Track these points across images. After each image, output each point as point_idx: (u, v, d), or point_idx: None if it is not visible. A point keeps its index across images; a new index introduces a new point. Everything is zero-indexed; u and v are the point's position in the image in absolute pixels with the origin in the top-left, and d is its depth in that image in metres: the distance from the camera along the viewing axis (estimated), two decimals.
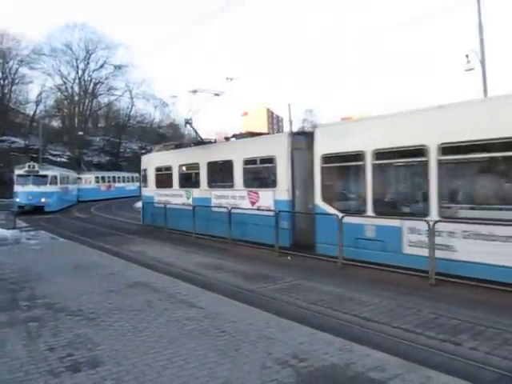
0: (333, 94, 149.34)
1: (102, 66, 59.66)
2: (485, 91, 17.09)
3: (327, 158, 10.29)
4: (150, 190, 18.45)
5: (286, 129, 55.26)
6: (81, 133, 52.17)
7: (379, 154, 9.14)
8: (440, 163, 8.03)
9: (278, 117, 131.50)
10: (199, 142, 16.70)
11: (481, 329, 5.34)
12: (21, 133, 51.17)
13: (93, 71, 60.03)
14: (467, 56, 17.20)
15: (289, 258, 10.50)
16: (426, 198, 8.37)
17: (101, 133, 62.69)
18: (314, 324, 5.39)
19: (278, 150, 11.69)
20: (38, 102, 56.04)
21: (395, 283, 7.77)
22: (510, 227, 6.93)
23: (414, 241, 8.42)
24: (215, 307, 5.90)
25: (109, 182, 43.63)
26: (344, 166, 10.33)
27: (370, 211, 9.27)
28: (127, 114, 64.04)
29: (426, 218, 8.01)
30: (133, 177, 46.44)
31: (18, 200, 26.82)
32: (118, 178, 45.65)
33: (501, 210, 7.55)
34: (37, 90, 56.58)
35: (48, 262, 9.53)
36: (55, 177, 28.97)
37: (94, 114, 65.32)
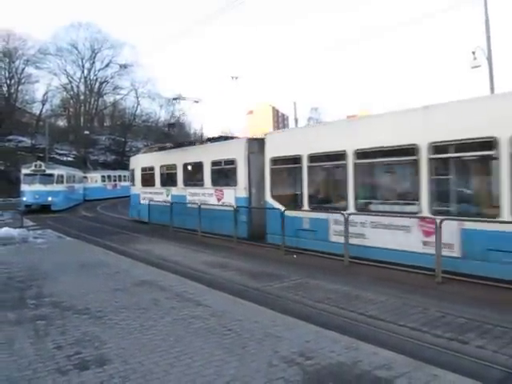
0: (339, 91, 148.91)
1: (107, 66, 59.97)
2: (491, 88, 16.99)
3: (274, 161, 12.00)
4: (137, 189, 20.16)
5: (292, 127, 55.13)
6: (87, 132, 52.38)
7: (313, 158, 10.84)
8: (355, 165, 9.71)
9: (283, 115, 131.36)
10: (178, 145, 18.41)
11: (488, 327, 5.32)
12: (27, 132, 51.48)
13: (98, 70, 60.36)
14: (473, 53, 17.09)
15: (295, 256, 10.51)
16: (345, 194, 9.99)
17: (106, 132, 62.96)
18: (320, 322, 5.40)
19: (238, 153, 13.36)
20: (44, 102, 56.42)
21: (401, 281, 7.76)
22: (404, 218, 8.66)
23: (337, 230, 9.96)
24: (221, 306, 5.91)
25: (115, 180, 43.72)
26: (287, 167, 12.03)
27: (306, 206, 10.96)
28: (133, 113, 64.27)
29: (345, 211, 9.64)
30: None
31: (24, 199, 26.78)
32: (124, 176, 45.69)
33: (397, 204, 9.34)
34: (43, 89, 57.19)
35: (55, 260, 9.59)
36: (61, 176, 29.04)
37: (99, 113, 65.58)
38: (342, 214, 9.48)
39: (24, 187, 27.26)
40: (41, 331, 4.99)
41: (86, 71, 59.83)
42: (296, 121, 43.37)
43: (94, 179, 41.26)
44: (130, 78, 62.77)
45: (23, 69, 53.16)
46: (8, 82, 52.66)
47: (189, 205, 15.49)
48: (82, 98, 61.00)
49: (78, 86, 60.30)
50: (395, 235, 8.80)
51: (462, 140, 7.80)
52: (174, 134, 67.52)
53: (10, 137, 47.89)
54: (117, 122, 65.51)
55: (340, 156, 10.03)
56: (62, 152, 52.44)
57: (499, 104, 7.72)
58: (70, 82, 59.21)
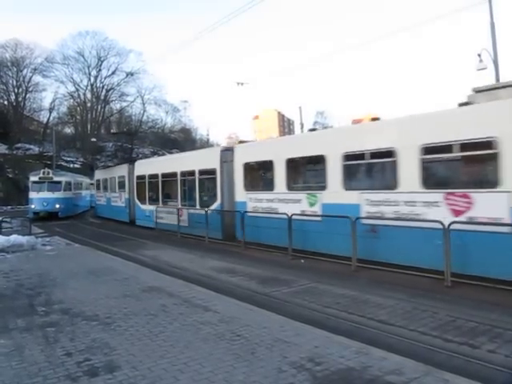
0: (345, 95, 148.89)
1: (113, 73, 60.44)
2: None
3: (138, 177, 21.18)
4: (96, 193, 31.52)
5: (298, 131, 54.94)
6: (93, 139, 52.73)
7: (149, 176, 19.87)
8: (162, 181, 18.73)
9: (288, 120, 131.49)
10: (109, 167, 31.30)
11: (499, 331, 5.27)
12: (35, 140, 51.95)
13: (105, 78, 60.85)
14: (479, 55, 17.03)
15: (302, 261, 10.49)
16: (158, 196, 18.96)
17: (113, 138, 63.31)
18: (330, 327, 5.38)
19: (126, 173, 22.87)
20: (51, 110, 57.11)
21: (410, 285, 7.71)
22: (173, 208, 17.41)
23: (160, 216, 18.27)
24: (230, 311, 5.91)
25: None
26: (142, 181, 20.65)
27: (147, 203, 19.99)
28: (139, 120, 64.59)
29: (156, 205, 18.92)
30: None
31: (33, 206, 26.92)
32: None
33: (173, 201, 17.77)
34: (50, 97, 57.63)
35: (63, 267, 9.63)
36: (69, 183, 29.28)
37: (106, 120, 65.99)
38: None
39: (32, 194, 27.29)
40: (50, 338, 5.01)
41: (92, 79, 60.41)
42: (302, 125, 43.23)
43: None
44: (137, 85, 63.05)
45: (31, 77, 53.89)
46: (16, 90, 53.30)
47: (113, 204, 25.52)
48: (88, 105, 61.49)
49: (84, 94, 60.89)
50: (171, 216, 17.06)
51: (188, 171, 16.65)
52: (180, 140, 67.79)
53: (18, 145, 48.33)
54: (123, 128, 65.86)
55: (156, 176, 19.12)
56: (69, 159, 52.84)
57: (200, 154, 18.64)
58: (77, 89, 59.84)
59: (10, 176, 43.52)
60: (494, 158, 7.48)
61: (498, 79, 16.99)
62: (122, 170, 23.78)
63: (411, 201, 8.68)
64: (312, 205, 10.96)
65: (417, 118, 8.88)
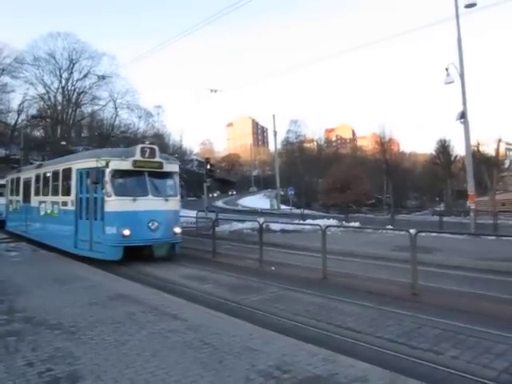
0: (319, 105, 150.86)
1: (85, 76, 59.13)
2: (464, 103, 17.48)
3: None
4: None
5: (271, 139, 55.34)
6: (63, 142, 51.59)
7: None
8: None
9: (262, 128, 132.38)
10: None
11: (462, 338, 5.40)
12: (1, 142, 50.46)
13: (76, 81, 59.47)
14: (447, 69, 17.63)
15: (273, 268, 10.50)
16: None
17: (84, 142, 62.01)
18: (298, 335, 5.39)
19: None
20: (19, 112, 55.39)
21: (377, 293, 7.82)
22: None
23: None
24: (199, 319, 5.85)
25: None
26: None
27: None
28: (111, 124, 63.48)
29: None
30: None
31: (127, 233, 11.10)
32: None
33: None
34: (19, 99, 55.85)
35: (29, 274, 9.34)
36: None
37: (77, 124, 64.65)
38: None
39: (112, 205, 11.32)
40: (11, 347, 4.83)
41: (63, 81, 58.96)
42: (275, 133, 43.54)
43: None
44: (109, 89, 61.54)
45: None
46: None
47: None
48: (59, 108, 60.11)
49: (55, 96, 59.39)
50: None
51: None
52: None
53: None
54: (95, 132, 64.65)
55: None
56: (37, 163, 51.54)
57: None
58: (47, 92, 58.29)
59: None
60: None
61: (463, 92, 17.61)
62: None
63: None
64: None
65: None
